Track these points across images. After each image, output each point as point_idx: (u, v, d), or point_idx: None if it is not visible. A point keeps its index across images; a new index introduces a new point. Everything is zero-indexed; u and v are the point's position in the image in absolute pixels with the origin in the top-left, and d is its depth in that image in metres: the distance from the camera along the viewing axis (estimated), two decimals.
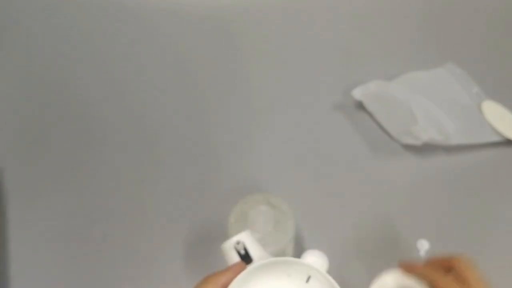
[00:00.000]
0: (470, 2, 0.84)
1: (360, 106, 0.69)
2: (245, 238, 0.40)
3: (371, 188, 0.62)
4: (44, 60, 0.75)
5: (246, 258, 0.39)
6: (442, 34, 0.80)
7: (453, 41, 0.79)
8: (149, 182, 0.62)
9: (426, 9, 0.83)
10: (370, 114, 0.69)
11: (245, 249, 0.39)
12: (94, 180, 0.62)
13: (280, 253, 0.46)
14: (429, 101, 0.68)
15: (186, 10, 0.81)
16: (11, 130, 0.67)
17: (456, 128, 0.66)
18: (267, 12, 0.82)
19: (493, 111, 0.69)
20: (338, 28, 0.81)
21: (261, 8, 0.81)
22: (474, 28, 0.81)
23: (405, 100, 0.67)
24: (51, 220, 0.59)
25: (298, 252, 0.47)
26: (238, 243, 0.39)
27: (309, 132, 0.68)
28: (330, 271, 0.37)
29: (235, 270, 0.37)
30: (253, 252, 0.39)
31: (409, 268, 0.41)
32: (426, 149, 0.64)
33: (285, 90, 0.72)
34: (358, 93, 0.69)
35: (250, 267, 0.37)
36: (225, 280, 0.36)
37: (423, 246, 0.56)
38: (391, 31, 0.80)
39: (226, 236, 0.50)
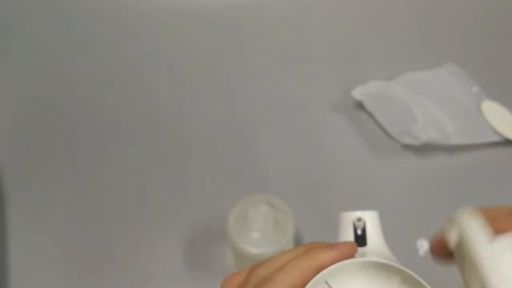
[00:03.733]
0: (470, 2, 0.83)
1: (360, 106, 0.69)
2: (369, 219, 0.33)
3: (370, 187, 0.62)
4: (44, 59, 0.75)
5: (360, 240, 0.32)
6: (442, 34, 0.80)
7: (453, 41, 0.79)
8: (149, 182, 0.62)
9: (426, 9, 0.83)
10: (370, 114, 0.69)
11: (364, 231, 0.32)
12: (94, 180, 0.62)
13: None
14: (428, 101, 0.68)
15: (188, 8, 0.81)
16: (11, 130, 0.67)
17: (455, 128, 0.66)
18: (266, 11, 0.82)
19: (492, 111, 0.69)
20: (338, 28, 0.81)
21: (260, 8, 0.81)
22: (474, 28, 0.81)
23: (405, 100, 0.67)
24: (51, 220, 0.59)
25: None
26: (359, 219, 0.33)
27: (309, 131, 0.68)
28: None
29: (344, 252, 0.30)
30: (372, 238, 0.32)
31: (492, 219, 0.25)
32: (426, 149, 0.64)
33: (285, 90, 0.72)
34: (358, 93, 0.69)
35: (359, 260, 0.29)
36: (327, 259, 0.29)
37: (423, 246, 0.56)
38: (390, 31, 0.80)
39: (226, 236, 0.51)
